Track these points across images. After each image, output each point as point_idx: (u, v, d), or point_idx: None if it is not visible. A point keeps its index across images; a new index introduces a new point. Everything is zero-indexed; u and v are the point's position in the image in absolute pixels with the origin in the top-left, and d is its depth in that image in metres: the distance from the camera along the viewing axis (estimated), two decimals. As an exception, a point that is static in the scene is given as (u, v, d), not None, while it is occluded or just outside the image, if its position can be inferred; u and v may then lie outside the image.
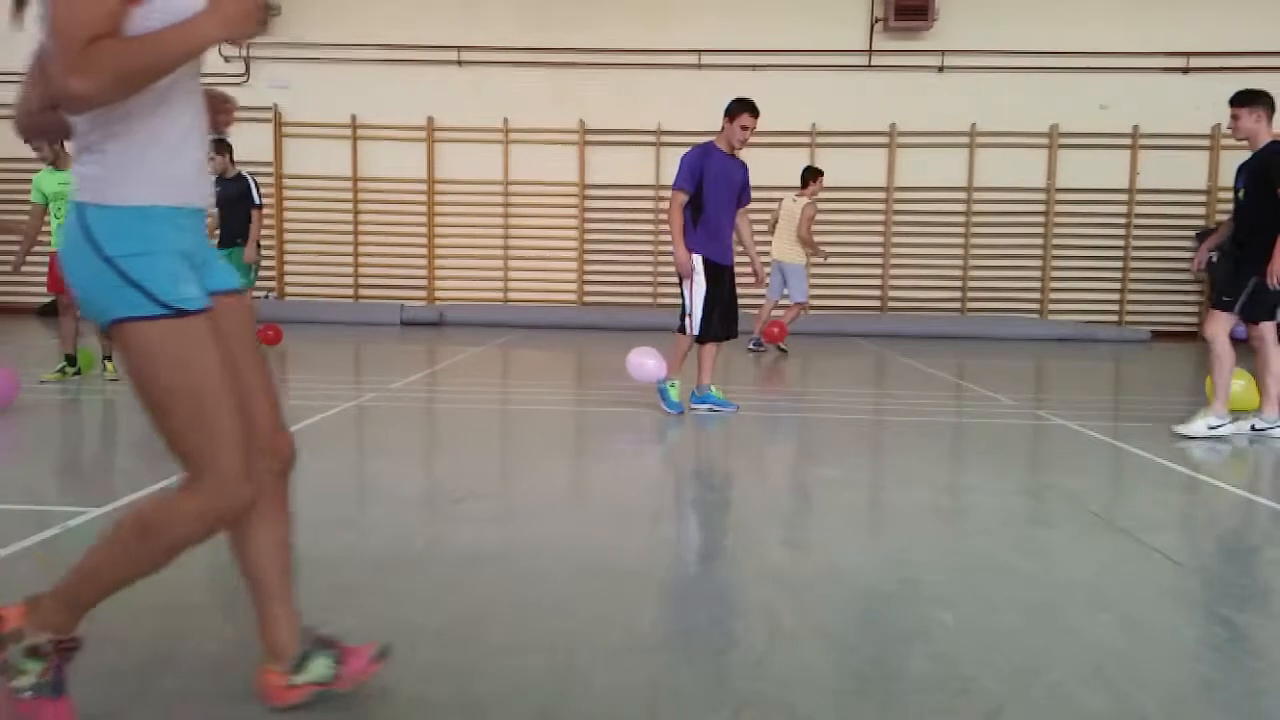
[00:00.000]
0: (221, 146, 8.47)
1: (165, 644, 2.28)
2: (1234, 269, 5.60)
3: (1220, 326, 5.56)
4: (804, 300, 10.43)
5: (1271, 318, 5.51)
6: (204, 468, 1.70)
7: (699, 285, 5.90)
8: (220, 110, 1.92)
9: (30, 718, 1.75)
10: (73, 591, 1.76)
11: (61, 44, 1.49)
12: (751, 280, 6.63)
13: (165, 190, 1.68)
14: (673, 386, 5.93)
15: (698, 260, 5.91)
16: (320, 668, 1.94)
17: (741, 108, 5.92)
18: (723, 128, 5.97)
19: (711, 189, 5.88)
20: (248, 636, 2.34)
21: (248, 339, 1.88)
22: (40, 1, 1.55)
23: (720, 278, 5.96)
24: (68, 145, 7.04)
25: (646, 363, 6.17)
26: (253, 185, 8.65)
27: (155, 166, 1.67)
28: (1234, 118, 5.58)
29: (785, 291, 10.30)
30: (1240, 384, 5.84)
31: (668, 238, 14.56)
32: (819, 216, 10.71)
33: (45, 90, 1.61)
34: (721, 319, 6.01)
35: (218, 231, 8.60)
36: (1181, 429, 5.59)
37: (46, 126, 1.91)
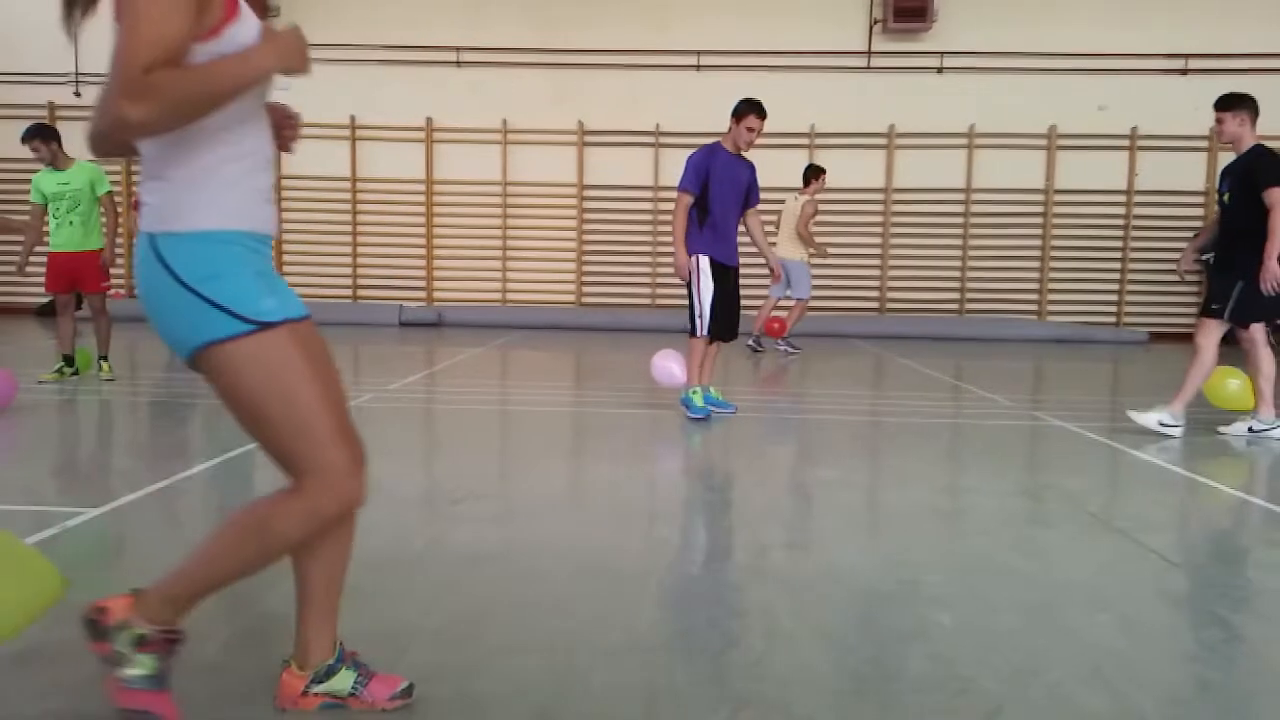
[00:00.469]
0: None
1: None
2: (1220, 275, 5.61)
3: (1210, 336, 5.59)
4: (806, 297, 10.46)
5: (1261, 320, 5.53)
6: (308, 470, 1.71)
7: (706, 286, 5.88)
8: (285, 127, 1.90)
9: (135, 707, 1.78)
10: (179, 586, 1.78)
11: (120, 70, 1.51)
12: (769, 279, 6.62)
13: (231, 217, 1.68)
14: (695, 393, 5.89)
15: (704, 261, 5.89)
16: (342, 681, 1.94)
17: (749, 109, 5.90)
18: (729, 128, 5.95)
19: (717, 190, 5.86)
20: (245, 638, 2.34)
21: (324, 357, 1.84)
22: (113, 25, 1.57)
23: (726, 278, 5.95)
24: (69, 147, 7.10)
25: (673, 368, 6.11)
26: None
27: (219, 193, 1.67)
28: (1218, 121, 5.60)
29: (787, 291, 10.34)
30: (1236, 384, 5.85)
31: (666, 239, 14.61)
32: (818, 215, 10.74)
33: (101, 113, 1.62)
34: (724, 320, 6.00)
35: None
36: (1134, 414, 5.65)
37: (118, 146, 1.89)
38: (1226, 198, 5.59)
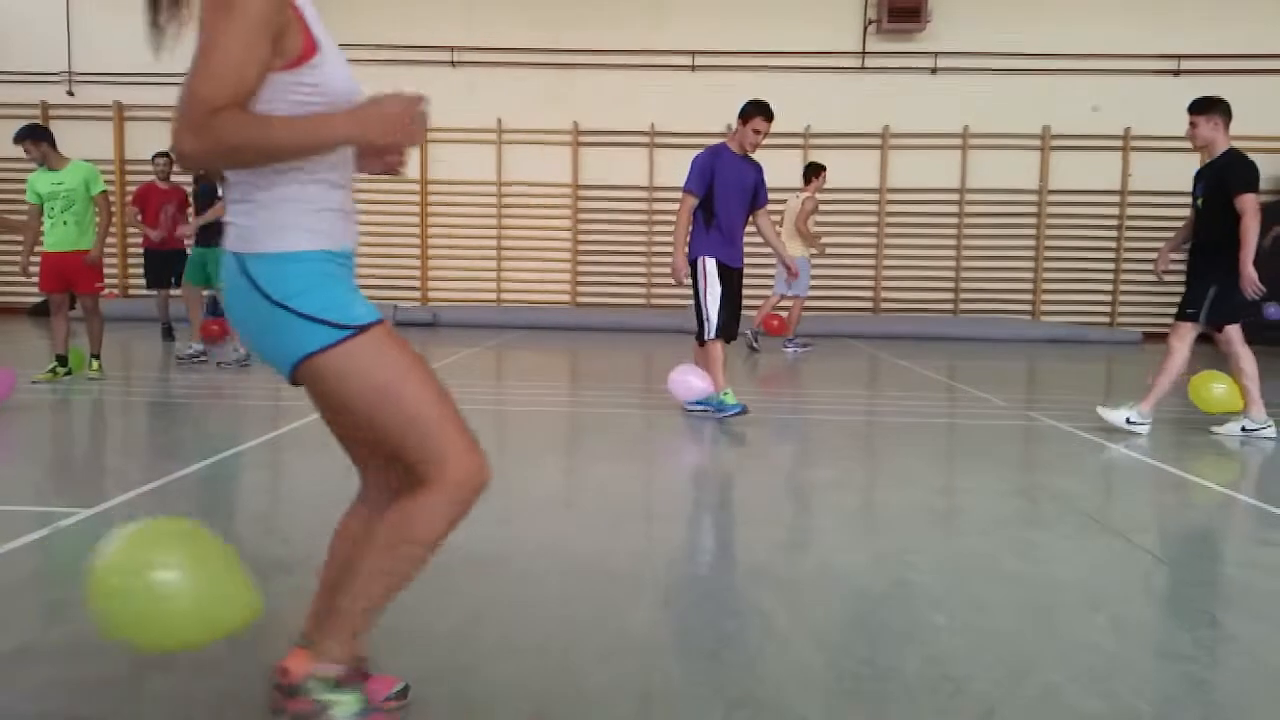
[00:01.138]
0: None
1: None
2: (1193, 278, 5.63)
3: (1184, 338, 5.61)
4: (804, 294, 10.52)
5: (1235, 321, 5.55)
6: (429, 459, 1.70)
7: (713, 288, 5.84)
8: (390, 151, 1.79)
9: None
10: (347, 621, 1.75)
11: (188, 102, 1.51)
12: (774, 278, 6.57)
13: (316, 237, 1.68)
14: (726, 394, 5.84)
15: (711, 263, 5.85)
16: (345, 706, 1.82)
17: (756, 110, 5.83)
18: (735, 129, 5.91)
19: (722, 192, 5.83)
20: (237, 637, 2.33)
21: (415, 351, 1.86)
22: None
23: (730, 280, 5.93)
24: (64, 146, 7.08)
25: (690, 381, 5.93)
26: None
27: (303, 215, 1.67)
28: (1191, 125, 5.61)
29: (788, 289, 10.42)
30: (1221, 388, 5.85)
31: (661, 238, 14.56)
32: (817, 212, 10.78)
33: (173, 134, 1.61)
34: (727, 321, 5.97)
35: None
36: (1103, 410, 5.69)
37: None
38: (1200, 202, 5.61)
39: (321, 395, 1.73)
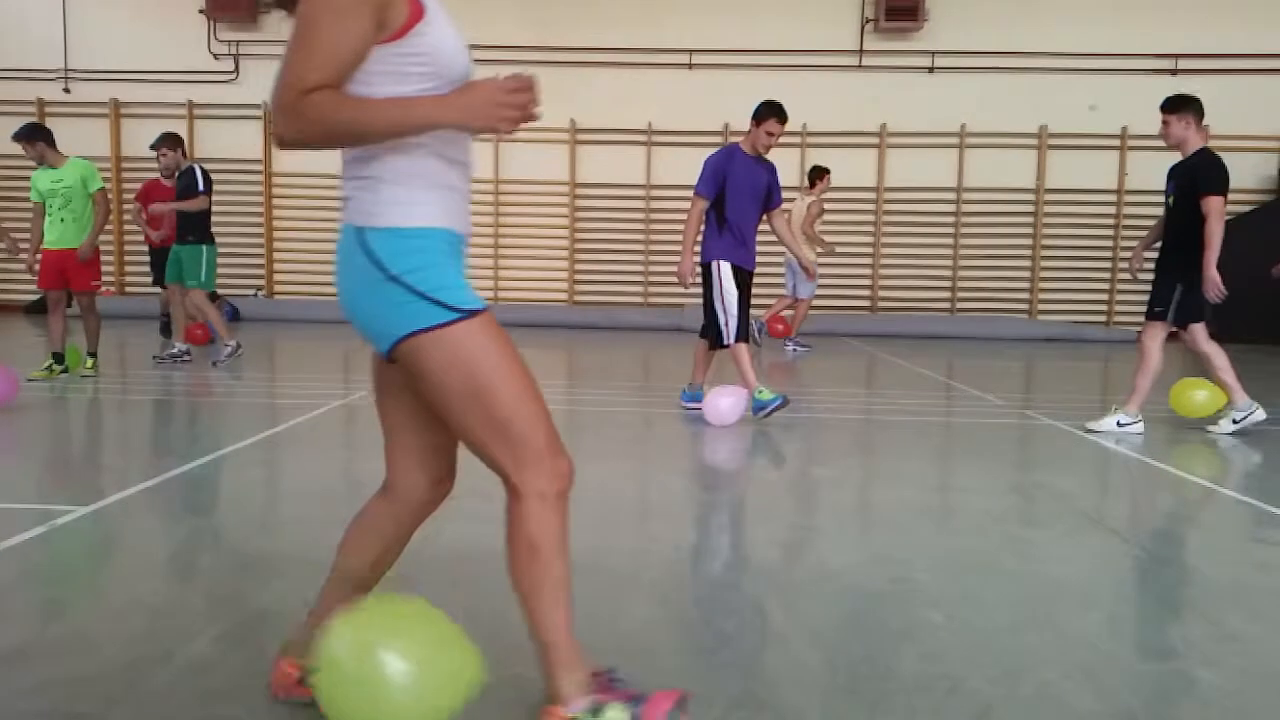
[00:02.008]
0: (173, 141, 8.34)
1: (149, 644, 2.27)
2: (1161, 277, 5.65)
3: (1155, 338, 5.64)
4: (810, 296, 10.58)
5: (1200, 320, 5.58)
6: (514, 456, 1.68)
7: (730, 291, 5.78)
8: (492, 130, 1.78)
9: None
10: (551, 653, 1.74)
11: (282, 85, 1.51)
12: (807, 278, 6.50)
13: (436, 215, 1.68)
14: (760, 393, 5.74)
15: (726, 267, 5.79)
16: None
17: (769, 112, 5.77)
18: (749, 130, 5.86)
19: (735, 194, 5.77)
20: (232, 635, 2.33)
21: (514, 346, 1.86)
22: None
23: (744, 282, 5.88)
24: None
25: (720, 404, 5.58)
26: (199, 175, 8.31)
27: (425, 191, 1.67)
28: (1164, 124, 5.63)
29: (794, 292, 10.50)
30: (1203, 395, 5.84)
31: (658, 237, 14.56)
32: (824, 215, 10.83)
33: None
34: (744, 323, 5.91)
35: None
36: (1092, 424, 5.68)
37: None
38: (1170, 200, 5.63)
39: (419, 375, 1.69)
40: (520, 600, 1.75)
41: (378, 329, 1.68)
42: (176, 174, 8.35)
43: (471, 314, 1.66)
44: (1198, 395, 5.82)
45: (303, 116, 1.51)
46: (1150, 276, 5.83)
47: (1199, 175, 5.41)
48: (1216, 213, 5.31)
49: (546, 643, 1.73)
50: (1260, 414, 5.59)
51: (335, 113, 1.52)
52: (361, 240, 1.66)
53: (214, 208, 8.28)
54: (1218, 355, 5.59)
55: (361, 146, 1.64)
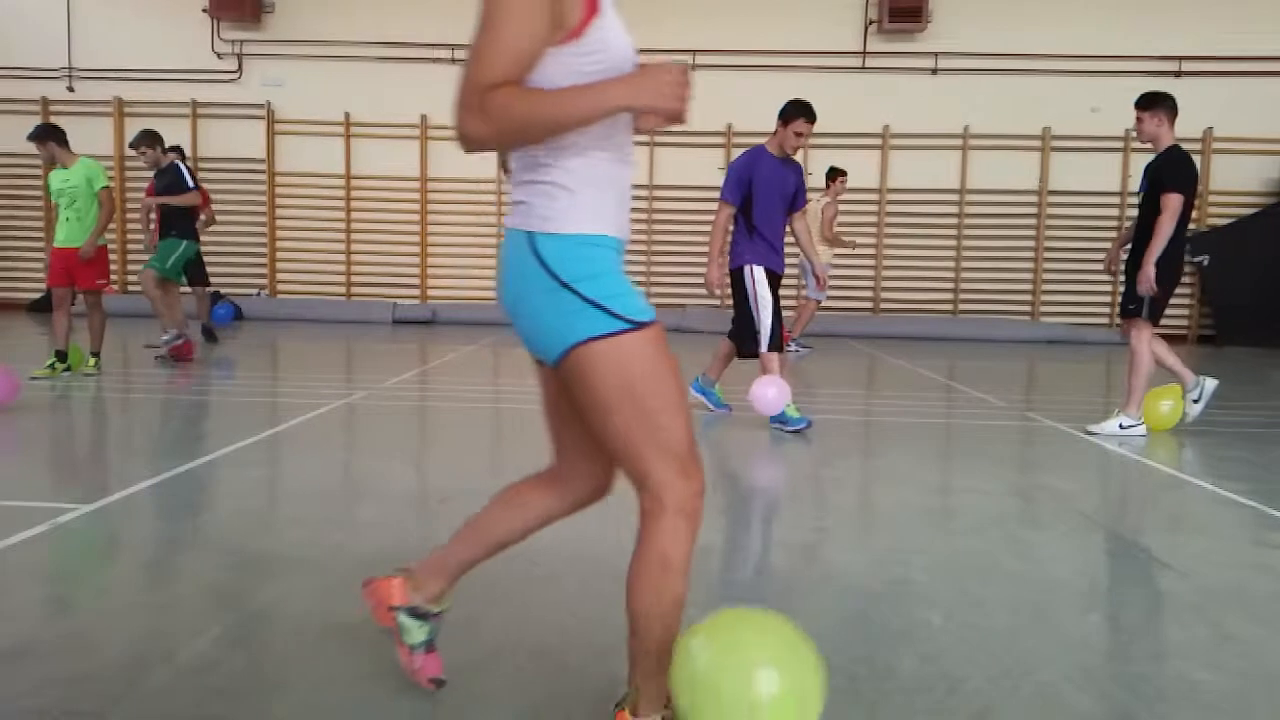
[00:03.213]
0: (153, 139, 8.33)
1: (150, 643, 2.27)
2: (1130, 273, 5.68)
3: (1140, 337, 5.65)
4: (819, 299, 10.60)
5: (1154, 318, 5.61)
6: (655, 471, 1.67)
7: (764, 297, 5.61)
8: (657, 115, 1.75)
9: None
10: (647, 663, 1.74)
11: (467, 83, 1.51)
12: (818, 285, 6.45)
13: (606, 222, 1.68)
14: (789, 408, 5.59)
15: (760, 272, 5.62)
16: (415, 633, 2.04)
17: (797, 112, 5.62)
18: (775, 131, 5.70)
19: (763, 197, 5.61)
20: (233, 635, 2.34)
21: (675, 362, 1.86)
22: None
23: (775, 287, 5.73)
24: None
25: (769, 393, 5.50)
26: (184, 171, 8.33)
27: (596, 196, 1.66)
28: (1137, 120, 5.65)
29: (804, 292, 10.56)
30: (1168, 404, 5.83)
31: (661, 237, 14.53)
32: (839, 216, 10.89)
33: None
34: (776, 329, 5.77)
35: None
36: (1094, 428, 5.69)
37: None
38: (1140, 196, 5.67)
39: (578, 383, 1.68)
40: (632, 607, 1.73)
41: (546, 335, 1.67)
42: (156, 171, 8.37)
43: (639, 325, 1.66)
44: (1162, 405, 5.83)
45: (488, 114, 1.49)
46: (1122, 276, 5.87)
47: (1164, 171, 5.43)
48: (1171, 210, 5.34)
49: (650, 652, 1.72)
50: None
51: (522, 106, 1.51)
52: (533, 246, 1.65)
53: (216, 207, 8.29)
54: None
55: (544, 144, 1.61)
